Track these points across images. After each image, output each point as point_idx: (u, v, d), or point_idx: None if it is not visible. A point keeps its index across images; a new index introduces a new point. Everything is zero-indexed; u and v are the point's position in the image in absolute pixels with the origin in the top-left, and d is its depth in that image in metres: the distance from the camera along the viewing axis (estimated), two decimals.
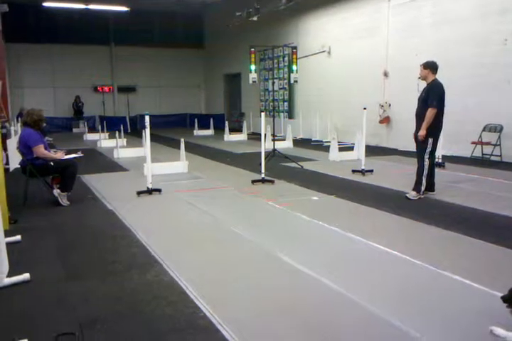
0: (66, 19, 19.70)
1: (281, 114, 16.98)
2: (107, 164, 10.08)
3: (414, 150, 6.40)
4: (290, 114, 16.75)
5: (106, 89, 22.08)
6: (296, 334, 2.74)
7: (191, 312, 2.98)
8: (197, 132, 17.36)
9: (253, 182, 7.33)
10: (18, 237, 4.49)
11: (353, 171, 8.12)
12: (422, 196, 6.20)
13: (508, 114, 9.26)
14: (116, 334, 2.75)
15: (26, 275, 3.52)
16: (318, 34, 14.90)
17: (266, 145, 8.43)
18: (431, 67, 6.09)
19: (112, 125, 16.31)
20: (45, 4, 17.38)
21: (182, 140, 8.54)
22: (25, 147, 5.95)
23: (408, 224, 5.08)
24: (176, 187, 7.10)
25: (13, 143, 8.90)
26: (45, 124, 6.40)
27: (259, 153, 7.71)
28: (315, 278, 3.53)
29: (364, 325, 2.83)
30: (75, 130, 19.63)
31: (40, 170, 5.94)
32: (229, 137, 15.17)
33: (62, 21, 19.89)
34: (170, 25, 22.10)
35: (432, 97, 5.95)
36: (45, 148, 6.03)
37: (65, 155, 6.29)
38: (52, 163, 5.97)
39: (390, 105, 12.28)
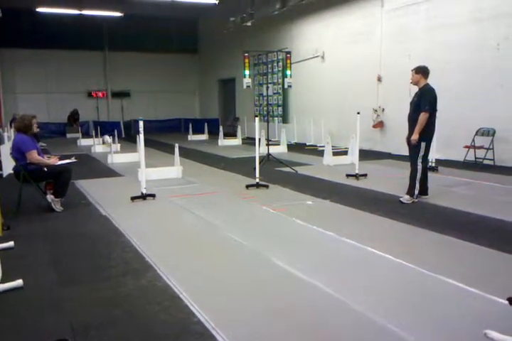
0: (60, 24, 19.72)
1: (276, 118, 17.02)
2: (100, 169, 10.05)
3: (408, 154, 6.43)
4: (284, 118, 16.80)
5: (100, 94, 22.08)
6: (291, 338, 2.74)
7: (185, 318, 2.97)
8: (191, 137, 17.36)
9: (247, 186, 7.33)
10: (11, 243, 4.46)
11: (347, 175, 8.14)
12: (416, 200, 6.22)
13: (500, 118, 9.33)
14: (109, 340, 2.74)
15: (19, 282, 3.50)
16: (312, 39, 14.97)
17: (260, 149, 8.44)
18: (422, 71, 6.13)
19: (106, 130, 16.27)
20: (39, 10, 17.41)
21: (176, 145, 8.53)
22: (18, 153, 5.92)
23: (402, 228, 5.10)
24: (170, 193, 7.09)
25: (6, 148, 8.87)
26: (38, 129, 6.37)
27: (254, 157, 7.72)
28: (310, 282, 3.53)
29: (358, 329, 2.83)
30: (68, 135, 19.57)
31: (33, 175, 5.91)
32: (223, 142, 15.19)
33: (56, 27, 19.89)
34: (164, 31, 22.16)
35: (424, 102, 5.99)
36: (39, 154, 6.00)
37: (59, 160, 6.27)
38: (45, 169, 5.95)
39: (383, 110, 12.35)
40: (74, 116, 20.28)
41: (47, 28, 19.89)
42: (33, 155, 5.88)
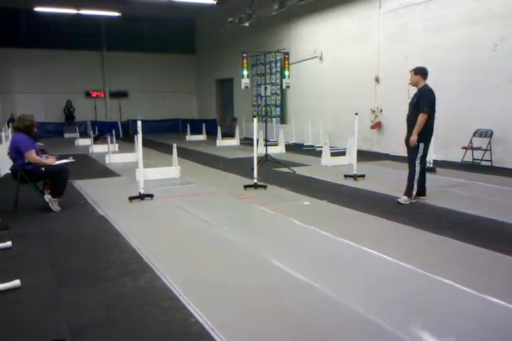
0: (57, 24, 19.68)
1: (274, 119, 17.02)
2: (98, 169, 10.04)
3: (406, 155, 6.44)
4: (282, 119, 16.80)
5: (98, 94, 22.01)
6: (288, 338, 2.74)
7: (184, 318, 2.97)
8: (189, 137, 17.34)
9: (245, 187, 7.34)
10: (9, 243, 4.46)
11: (345, 176, 8.15)
12: (414, 201, 6.23)
13: (498, 119, 9.35)
14: (107, 340, 2.73)
15: (17, 282, 3.49)
16: (310, 40, 14.98)
17: (258, 150, 8.44)
18: (422, 72, 6.14)
19: (104, 130, 16.24)
20: (37, 9, 17.36)
21: (174, 145, 8.53)
22: (16, 152, 5.91)
23: (399, 228, 5.11)
24: (168, 193, 7.08)
25: (3, 148, 8.85)
26: (36, 130, 6.37)
27: (252, 158, 7.71)
28: (307, 282, 3.53)
29: (355, 329, 2.84)
30: (66, 135, 19.55)
31: (31, 175, 5.90)
32: (221, 142, 15.18)
33: (54, 26, 19.85)
34: (161, 31, 22.13)
35: (423, 103, 6.00)
36: (37, 154, 5.99)
37: (57, 160, 6.27)
38: (43, 169, 5.94)
39: (381, 110, 12.36)
40: (69, 109, 20.29)
41: (44, 28, 19.83)
42: (31, 155, 5.87)
